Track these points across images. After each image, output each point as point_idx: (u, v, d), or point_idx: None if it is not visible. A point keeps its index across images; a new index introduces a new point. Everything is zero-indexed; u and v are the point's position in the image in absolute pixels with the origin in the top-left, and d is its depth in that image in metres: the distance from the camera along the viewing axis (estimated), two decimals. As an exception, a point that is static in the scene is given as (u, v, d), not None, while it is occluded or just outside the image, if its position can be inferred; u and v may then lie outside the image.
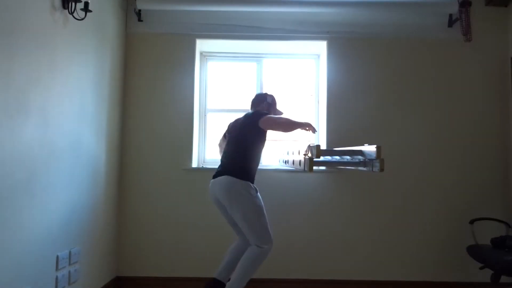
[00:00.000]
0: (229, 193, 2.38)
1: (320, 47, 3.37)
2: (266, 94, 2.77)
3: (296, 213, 3.13)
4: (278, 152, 3.31)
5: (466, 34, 3.12)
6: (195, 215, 3.12)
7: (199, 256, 3.10)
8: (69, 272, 2.37)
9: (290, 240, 3.09)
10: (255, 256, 2.33)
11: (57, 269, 2.24)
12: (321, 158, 2.47)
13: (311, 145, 2.18)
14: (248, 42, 3.30)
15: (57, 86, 2.21)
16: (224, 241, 2.88)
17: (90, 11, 2.31)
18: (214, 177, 2.49)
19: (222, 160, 2.58)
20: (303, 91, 3.57)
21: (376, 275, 3.10)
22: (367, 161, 2.03)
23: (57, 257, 2.24)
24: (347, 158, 2.24)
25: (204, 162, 3.40)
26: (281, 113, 2.80)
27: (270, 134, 2.59)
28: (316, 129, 2.66)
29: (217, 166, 2.57)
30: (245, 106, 2.89)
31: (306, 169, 2.15)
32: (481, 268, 2.64)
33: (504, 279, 2.78)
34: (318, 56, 3.49)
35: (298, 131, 2.48)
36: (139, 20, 3.20)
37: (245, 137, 2.49)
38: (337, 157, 2.40)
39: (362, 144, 2.15)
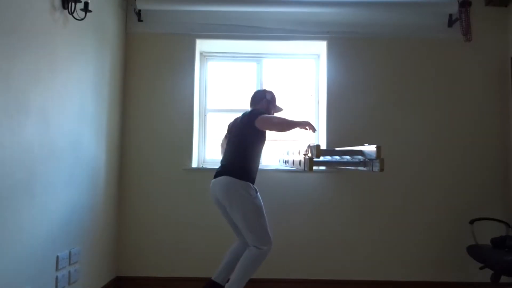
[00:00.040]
0: (228, 193, 2.37)
1: (320, 47, 3.37)
2: (265, 91, 2.75)
3: (296, 213, 3.13)
4: (278, 152, 3.31)
5: (466, 34, 3.12)
6: (195, 215, 3.13)
7: (199, 256, 3.10)
8: (69, 272, 2.37)
9: (290, 240, 3.10)
10: (254, 257, 2.32)
11: (57, 269, 2.25)
12: (321, 158, 2.47)
13: (311, 145, 2.17)
14: (248, 42, 3.30)
15: (57, 86, 2.21)
16: (224, 241, 2.88)
17: (90, 11, 2.31)
18: (215, 177, 2.48)
19: (222, 160, 2.58)
20: (303, 91, 3.57)
21: (376, 275, 3.10)
22: (367, 161, 2.03)
23: (57, 257, 2.24)
24: (347, 158, 2.24)
25: (204, 162, 3.40)
26: (281, 110, 2.80)
27: (270, 134, 2.59)
28: (316, 128, 2.65)
29: (217, 166, 2.57)
30: (245, 106, 2.89)
31: (306, 169, 2.15)
32: (481, 268, 2.64)
33: (504, 279, 2.78)
34: (318, 56, 3.49)
35: (298, 130, 2.46)
36: (139, 20, 3.20)
37: (244, 137, 2.48)
38: (337, 157, 2.40)
39: (362, 144, 2.15)
